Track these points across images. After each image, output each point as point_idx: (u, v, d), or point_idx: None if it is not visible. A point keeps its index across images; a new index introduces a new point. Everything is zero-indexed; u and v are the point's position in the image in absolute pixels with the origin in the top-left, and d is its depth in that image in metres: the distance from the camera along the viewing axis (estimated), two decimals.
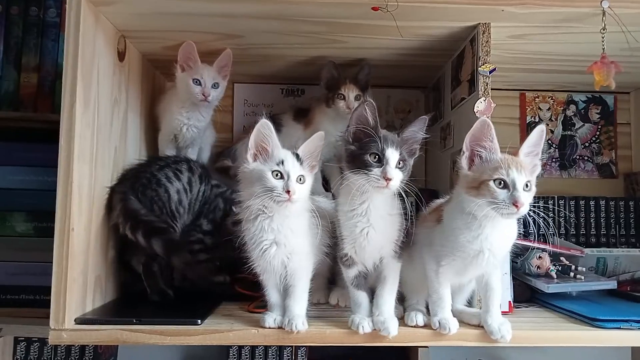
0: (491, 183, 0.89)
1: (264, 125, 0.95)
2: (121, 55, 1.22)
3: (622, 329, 0.99)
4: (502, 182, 0.89)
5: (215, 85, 1.30)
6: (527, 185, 0.90)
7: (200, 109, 1.34)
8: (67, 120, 1.00)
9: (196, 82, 1.28)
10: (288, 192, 0.92)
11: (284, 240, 0.95)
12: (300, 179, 0.95)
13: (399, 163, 0.93)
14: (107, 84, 1.15)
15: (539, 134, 0.94)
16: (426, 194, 1.44)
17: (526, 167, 0.90)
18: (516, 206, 0.87)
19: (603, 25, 1.06)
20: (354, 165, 0.94)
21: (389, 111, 1.65)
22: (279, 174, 0.94)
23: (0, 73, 1.44)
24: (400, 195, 0.97)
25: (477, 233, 0.92)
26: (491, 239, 0.92)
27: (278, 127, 1.42)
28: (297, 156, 0.97)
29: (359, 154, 0.94)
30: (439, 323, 0.97)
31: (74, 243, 0.99)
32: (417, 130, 0.97)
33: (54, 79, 1.45)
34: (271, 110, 1.58)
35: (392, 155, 0.92)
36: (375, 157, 0.93)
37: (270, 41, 1.27)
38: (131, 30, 1.21)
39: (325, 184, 1.45)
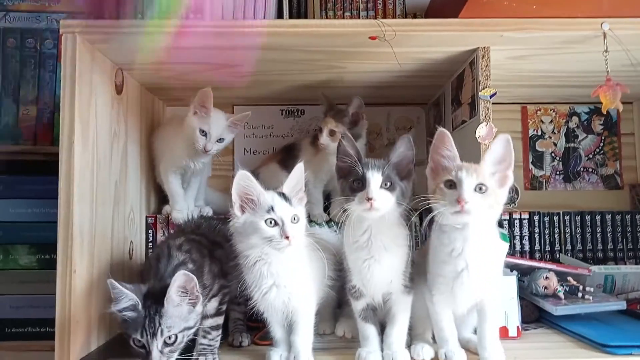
0: (442, 185, 0.91)
1: (243, 177, 0.92)
2: (119, 88, 1.22)
3: (634, 355, 0.98)
4: (451, 183, 0.90)
5: (220, 140, 1.27)
6: (481, 189, 0.89)
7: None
8: (65, 162, 1.00)
9: (202, 132, 1.25)
10: (287, 237, 0.90)
11: (284, 282, 0.94)
12: (295, 218, 0.93)
13: (385, 184, 0.93)
14: (105, 119, 1.14)
15: (501, 142, 0.92)
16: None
17: (482, 173, 0.89)
18: (459, 202, 0.86)
19: (605, 47, 1.04)
20: (344, 195, 0.96)
21: (389, 129, 1.64)
22: (273, 221, 0.91)
23: None
24: (406, 224, 0.97)
25: (450, 249, 0.92)
26: (465, 255, 0.91)
27: (297, 153, 1.42)
28: (284, 196, 0.94)
29: (345, 184, 0.96)
30: (445, 355, 0.96)
31: (76, 285, 0.99)
32: (404, 151, 0.97)
33: (53, 110, 1.46)
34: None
35: (374, 176, 0.92)
36: (358, 183, 0.94)
37: (268, 69, 1.26)
38: (128, 64, 1.21)
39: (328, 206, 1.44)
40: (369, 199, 0.90)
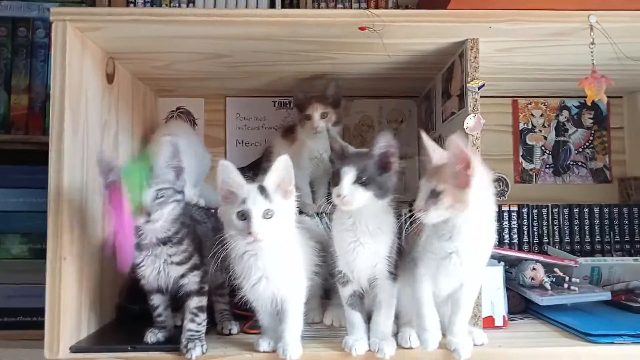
0: None
1: (223, 168, 0.92)
2: (110, 78, 1.22)
3: (615, 343, 1.00)
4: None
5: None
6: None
7: None
8: (55, 149, 1.00)
9: None
10: (250, 233, 0.88)
11: (273, 274, 0.94)
12: (268, 213, 0.91)
13: (360, 179, 0.93)
14: (96, 108, 1.14)
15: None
16: None
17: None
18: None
19: (592, 39, 1.05)
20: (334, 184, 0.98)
21: (382, 122, 1.65)
22: (242, 215, 0.90)
23: None
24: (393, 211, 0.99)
25: (440, 233, 0.93)
26: (455, 241, 0.92)
27: (270, 149, 1.46)
28: (262, 189, 0.92)
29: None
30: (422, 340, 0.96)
31: (66, 272, 1.00)
32: (384, 146, 0.96)
33: (44, 100, 1.45)
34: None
35: (347, 173, 0.93)
36: (336, 177, 0.95)
37: (259, 59, 1.27)
38: (119, 53, 1.21)
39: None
40: (339, 195, 0.93)
